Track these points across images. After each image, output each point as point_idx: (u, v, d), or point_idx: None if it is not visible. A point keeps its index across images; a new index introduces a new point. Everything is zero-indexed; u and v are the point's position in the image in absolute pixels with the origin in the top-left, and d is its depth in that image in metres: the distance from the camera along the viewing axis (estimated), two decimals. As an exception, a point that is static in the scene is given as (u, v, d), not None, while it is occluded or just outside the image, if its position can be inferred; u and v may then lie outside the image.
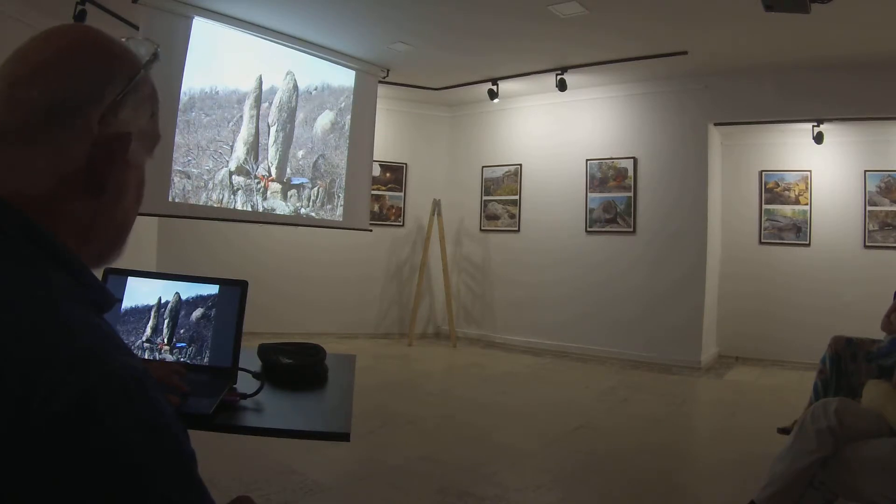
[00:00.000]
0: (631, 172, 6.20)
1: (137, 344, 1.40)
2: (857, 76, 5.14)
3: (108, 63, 0.62)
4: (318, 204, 5.95)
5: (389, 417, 3.79)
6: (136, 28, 4.61)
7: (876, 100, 5.15)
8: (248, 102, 5.37)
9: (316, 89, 5.87)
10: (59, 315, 0.52)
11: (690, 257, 5.87)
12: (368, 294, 7.14)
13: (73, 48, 0.61)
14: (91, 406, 0.47)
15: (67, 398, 0.46)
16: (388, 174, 7.31)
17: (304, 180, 5.83)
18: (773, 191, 6.36)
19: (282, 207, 5.68)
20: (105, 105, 0.60)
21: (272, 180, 5.58)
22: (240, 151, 5.33)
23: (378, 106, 6.41)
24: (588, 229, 6.45)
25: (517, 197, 7.00)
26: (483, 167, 7.27)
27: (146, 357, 1.40)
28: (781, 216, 6.31)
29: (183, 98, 4.87)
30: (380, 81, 6.34)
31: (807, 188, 6.21)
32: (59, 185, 0.58)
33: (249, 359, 1.53)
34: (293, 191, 5.76)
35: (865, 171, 5.94)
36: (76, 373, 0.47)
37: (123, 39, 0.66)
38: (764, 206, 6.39)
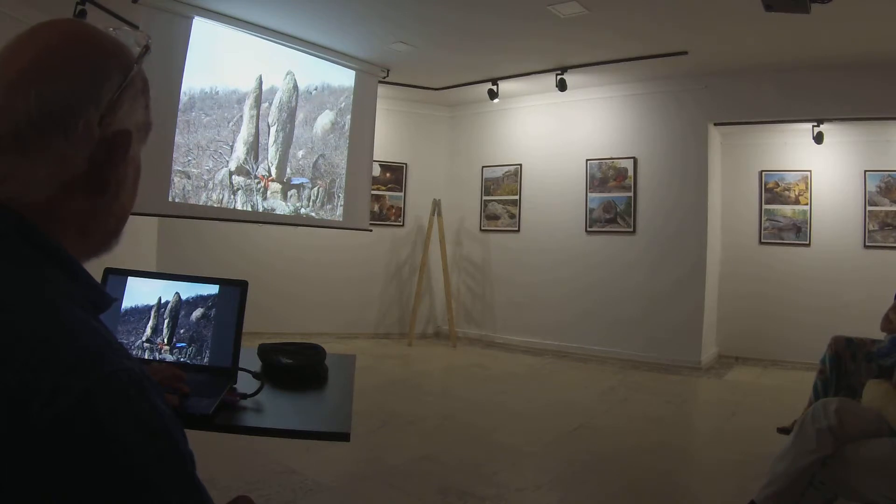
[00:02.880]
0: (631, 172, 6.20)
1: (137, 344, 1.40)
2: (857, 76, 5.13)
3: (104, 61, 0.60)
4: (318, 204, 5.95)
5: (389, 417, 3.79)
6: (137, 28, 4.61)
7: (876, 100, 5.15)
8: (248, 102, 5.36)
9: (316, 89, 5.87)
10: (59, 317, 0.51)
11: (690, 257, 5.87)
12: (368, 294, 7.14)
13: (66, 46, 0.58)
14: (90, 409, 0.47)
15: (67, 401, 0.46)
16: (388, 174, 7.31)
17: (304, 180, 5.83)
18: (773, 191, 6.36)
19: (282, 207, 5.68)
20: (103, 105, 0.59)
21: (272, 180, 5.58)
22: (240, 151, 5.33)
23: (378, 106, 6.40)
24: (588, 229, 6.45)
25: (517, 197, 6.99)
26: (483, 167, 7.27)
27: (146, 357, 1.40)
28: (781, 216, 6.31)
29: (183, 98, 4.86)
30: (380, 81, 6.33)
31: (807, 188, 6.21)
32: (59, 191, 0.57)
33: (249, 359, 1.53)
34: (293, 191, 5.76)
35: (865, 171, 5.94)
36: (76, 375, 0.47)
37: (111, 30, 0.63)
38: (764, 206, 6.38)
